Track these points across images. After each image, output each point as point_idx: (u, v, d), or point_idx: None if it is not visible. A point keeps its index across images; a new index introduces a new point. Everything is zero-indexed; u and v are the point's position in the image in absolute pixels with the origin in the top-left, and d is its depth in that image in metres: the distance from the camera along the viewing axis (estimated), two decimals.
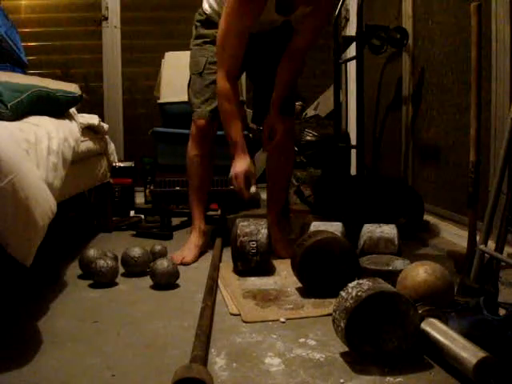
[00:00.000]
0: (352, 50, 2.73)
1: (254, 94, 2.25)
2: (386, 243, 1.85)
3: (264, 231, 1.81)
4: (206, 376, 0.97)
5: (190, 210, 2.17)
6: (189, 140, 2.10)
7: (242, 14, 1.78)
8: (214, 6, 2.01)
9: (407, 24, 2.79)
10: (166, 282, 1.67)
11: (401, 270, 1.48)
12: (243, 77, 3.18)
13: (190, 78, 2.11)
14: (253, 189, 1.89)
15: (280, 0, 1.83)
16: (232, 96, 1.89)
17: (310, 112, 3.63)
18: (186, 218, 2.69)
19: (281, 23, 1.96)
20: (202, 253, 2.07)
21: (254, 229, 1.81)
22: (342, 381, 1.06)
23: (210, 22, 2.04)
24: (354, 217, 2.39)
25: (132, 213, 2.98)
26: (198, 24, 2.09)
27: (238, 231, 1.81)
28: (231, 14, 1.80)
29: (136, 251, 1.80)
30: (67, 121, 1.87)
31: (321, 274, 1.57)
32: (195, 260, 2.01)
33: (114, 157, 2.68)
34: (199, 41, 2.08)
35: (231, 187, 1.95)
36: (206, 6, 2.05)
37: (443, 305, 1.30)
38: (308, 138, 3.09)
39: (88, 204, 2.67)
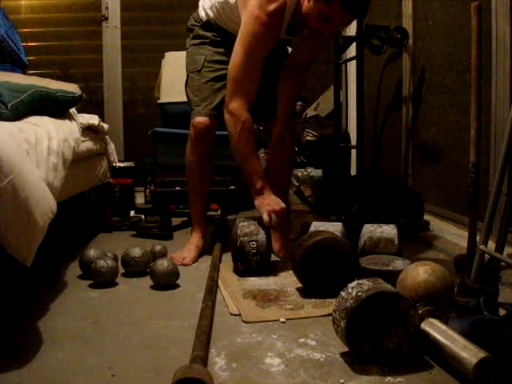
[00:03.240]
0: (352, 50, 2.72)
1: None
2: (386, 243, 1.85)
3: (264, 231, 1.81)
4: (206, 376, 0.97)
5: (190, 211, 2.16)
6: (187, 143, 2.07)
7: (265, 41, 1.78)
8: (210, 14, 2.02)
9: (407, 24, 2.79)
10: (166, 282, 1.67)
11: (401, 270, 1.48)
12: None
13: (188, 76, 2.10)
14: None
15: (291, 24, 1.86)
16: (252, 127, 1.85)
17: (311, 112, 3.63)
18: (186, 218, 2.69)
19: None
20: (202, 253, 2.07)
21: (254, 229, 1.81)
22: (342, 381, 1.06)
23: (208, 25, 2.04)
24: (354, 217, 2.39)
25: (132, 213, 2.98)
26: (196, 26, 2.08)
27: (238, 231, 1.81)
28: (253, 42, 1.76)
29: (136, 251, 1.80)
30: (67, 121, 1.87)
31: (321, 274, 1.56)
32: (195, 261, 2.01)
33: (114, 157, 2.68)
34: (197, 41, 2.07)
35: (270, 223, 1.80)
36: (202, 13, 2.06)
37: (443, 305, 1.30)
38: (308, 137, 3.10)
39: (88, 204, 2.67)
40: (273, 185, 2.18)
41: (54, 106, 1.78)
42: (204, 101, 2.00)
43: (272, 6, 1.72)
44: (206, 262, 1.94)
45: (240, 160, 1.86)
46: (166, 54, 3.23)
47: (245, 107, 1.81)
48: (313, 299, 1.53)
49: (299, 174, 3.01)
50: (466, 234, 1.72)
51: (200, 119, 1.99)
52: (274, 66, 2.02)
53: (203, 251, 2.08)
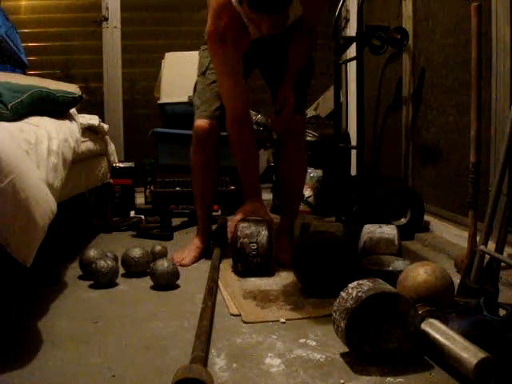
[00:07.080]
0: (352, 51, 2.72)
1: (271, 92, 2.19)
2: (387, 243, 1.85)
3: (264, 232, 1.80)
4: (206, 377, 0.97)
5: (196, 212, 2.17)
6: (191, 144, 2.07)
7: (225, 54, 1.81)
8: None
9: (407, 24, 2.79)
10: (166, 282, 1.67)
11: (401, 271, 1.48)
12: None
13: (196, 81, 2.11)
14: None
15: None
16: (245, 141, 1.92)
17: (311, 112, 3.62)
18: (186, 219, 2.69)
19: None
20: (203, 254, 2.07)
21: (254, 230, 1.81)
22: (342, 381, 1.06)
23: None
24: (354, 217, 2.39)
25: (132, 213, 2.98)
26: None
27: (239, 233, 1.81)
28: (215, 58, 1.85)
29: (136, 252, 1.81)
30: (67, 121, 1.87)
31: (321, 274, 1.56)
32: (194, 261, 2.00)
33: (114, 157, 2.68)
34: (205, 46, 2.07)
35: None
36: None
37: (443, 305, 1.30)
38: (308, 138, 3.09)
39: (88, 204, 2.67)
40: (285, 186, 2.14)
41: (54, 107, 1.78)
42: (205, 103, 2.00)
43: (222, 21, 1.76)
44: (206, 262, 1.94)
45: (237, 165, 1.98)
46: (166, 54, 3.23)
47: (232, 123, 1.91)
48: (313, 299, 1.53)
49: None
50: (466, 234, 1.72)
51: (200, 122, 1.99)
52: (281, 59, 1.98)
53: (205, 252, 2.08)
